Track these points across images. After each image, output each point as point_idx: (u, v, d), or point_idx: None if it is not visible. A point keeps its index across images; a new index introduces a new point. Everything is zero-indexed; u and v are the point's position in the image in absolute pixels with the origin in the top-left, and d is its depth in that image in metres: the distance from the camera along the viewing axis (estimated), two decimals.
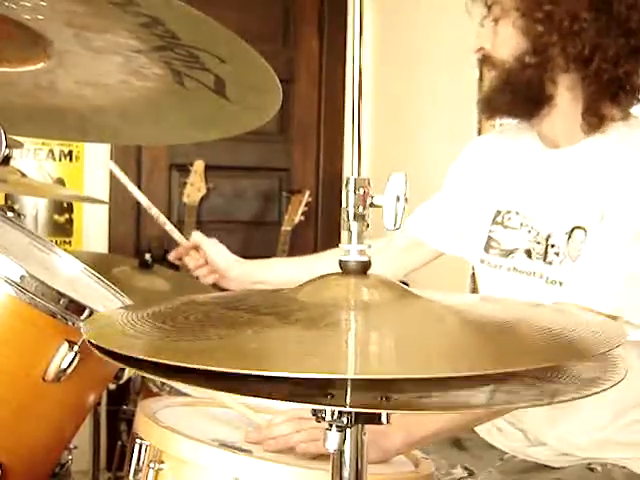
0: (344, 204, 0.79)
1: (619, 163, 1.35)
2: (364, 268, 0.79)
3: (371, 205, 0.80)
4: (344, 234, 0.81)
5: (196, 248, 1.74)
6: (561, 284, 1.36)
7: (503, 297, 0.96)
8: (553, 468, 1.45)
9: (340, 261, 0.80)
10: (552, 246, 1.39)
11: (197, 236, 1.75)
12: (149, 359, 0.64)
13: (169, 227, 1.78)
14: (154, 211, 1.79)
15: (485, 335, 0.74)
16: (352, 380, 0.70)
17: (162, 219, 1.79)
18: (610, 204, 1.33)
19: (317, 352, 0.66)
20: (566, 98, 1.38)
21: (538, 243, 1.43)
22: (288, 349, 0.68)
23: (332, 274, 0.80)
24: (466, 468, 1.48)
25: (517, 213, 1.48)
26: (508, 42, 1.39)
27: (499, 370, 0.65)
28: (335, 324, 0.73)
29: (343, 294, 0.76)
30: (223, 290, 1.78)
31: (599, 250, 1.32)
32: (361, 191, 0.79)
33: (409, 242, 1.71)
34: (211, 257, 1.73)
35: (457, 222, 1.65)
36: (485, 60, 1.45)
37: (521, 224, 1.47)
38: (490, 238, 1.51)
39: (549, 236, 1.41)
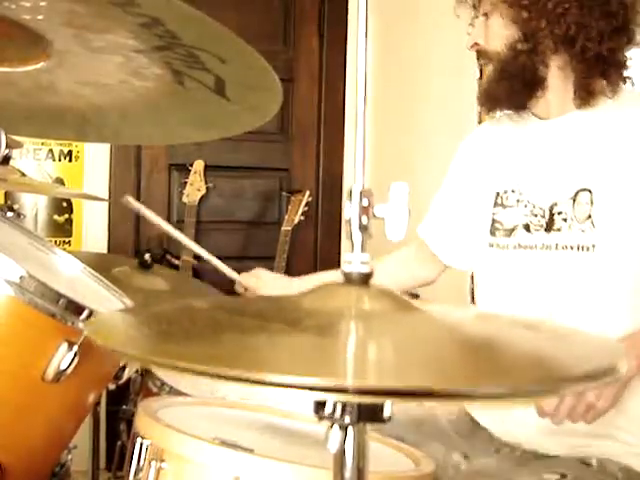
0: (347, 215, 0.78)
1: (612, 127, 1.43)
2: (366, 278, 0.79)
3: (373, 216, 0.79)
4: (345, 243, 0.80)
5: (245, 289, 1.84)
6: (572, 248, 1.43)
7: (505, 314, 0.96)
8: (549, 457, 1.44)
9: (343, 271, 0.80)
10: (559, 213, 1.45)
11: (244, 279, 1.83)
12: (167, 362, 0.64)
13: (216, 262, 1.87)
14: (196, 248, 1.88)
15: (471, 352, 0.73)
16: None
17: (213, 260, 1.87)
18: (620, 165, 1.39)
19: (325, 360, 0.66)
20: (558, 77, 1.47)
21: (535, 215, 1.48)
22: (302, 356, 0.68)
23: (334, 283, 0.80)
24: (464, 454, 1.51)
25: (513, 191, 1.54)
26: (500, 33, 1.48)
27: (479, 390, 0.65)
28: (342, 333, 0.73)
29: (346, 303, 0.76)
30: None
31: (624, 212, 1.38)
32: (365, 202, 0.79)
33: (427, 253, 1.77)
34: (262, 292, 1.81)
35: (459, 218, 1.68)
36: (481, 54, 1.55)
37: (517, 201, 1.53)
38: (494, 220, 1.56)
39: (554, 204, 1.46)
